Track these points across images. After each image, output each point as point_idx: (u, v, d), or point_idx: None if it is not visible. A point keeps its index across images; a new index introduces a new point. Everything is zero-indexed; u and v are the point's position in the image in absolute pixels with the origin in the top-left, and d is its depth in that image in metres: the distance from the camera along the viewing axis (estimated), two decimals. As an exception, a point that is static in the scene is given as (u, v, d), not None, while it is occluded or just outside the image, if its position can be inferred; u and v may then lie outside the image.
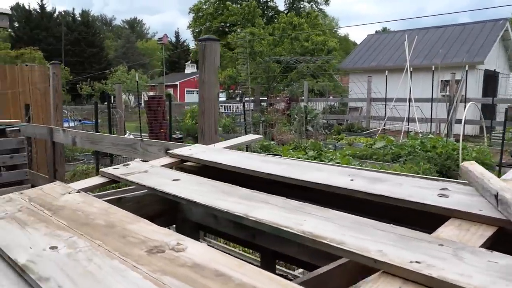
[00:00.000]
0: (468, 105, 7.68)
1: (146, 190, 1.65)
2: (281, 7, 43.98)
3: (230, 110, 23.91)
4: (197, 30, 48.14)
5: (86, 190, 1.54)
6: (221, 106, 18.11)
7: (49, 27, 45.83)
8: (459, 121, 12.03)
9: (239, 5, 35.76)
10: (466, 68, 10.94)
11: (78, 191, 1.42)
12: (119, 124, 12.72)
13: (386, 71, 12.84)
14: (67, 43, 46.03)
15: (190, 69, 43.55)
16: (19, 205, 1.32)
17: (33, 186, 4.41)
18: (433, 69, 11.75)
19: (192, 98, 35.89)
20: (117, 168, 1.68)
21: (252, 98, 15.74)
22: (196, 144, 2.05)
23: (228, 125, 13.92)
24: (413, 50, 13.74)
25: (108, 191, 1.61)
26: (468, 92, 12.19)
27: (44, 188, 1.50)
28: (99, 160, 6.71)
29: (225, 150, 1.91)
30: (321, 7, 41.06)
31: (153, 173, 1.58)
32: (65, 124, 11.36)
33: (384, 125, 12.86)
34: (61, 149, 4.61)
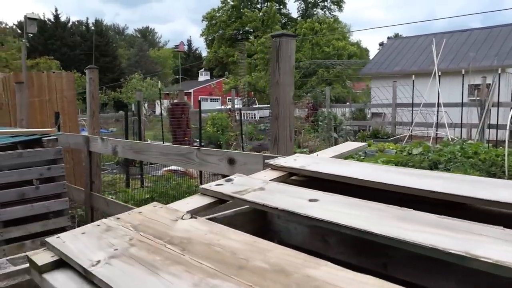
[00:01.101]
0: (513, 109, 7.28)
1: (245, 208, 1.35)
2: (294, 14, 43.83)
3: (247, 118, 23.63)
4: (210, 38, 48.20)
5: (192, 213, 1.23)
6: (237, 113, 17.80)
7: (64, 37, 46.16)
8: (492, 126, 11.62)
9: (257, 11, 35.58)
10: (499, 72, 10.53)
11: (193, 216, 1.11)
12: (142, 132, 12.48)
13: (413, 76, 12.46)
14: (81, 53, 46.33)
15: (203, 76, 43.54)
16: (126, 237, 1.01)
17: (70, 200, 4.13)
18: (463, 72, 11.35)
19: (205, 105, 35.74)
20: (221, 184, 1.37)
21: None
22: (298, 154, 1.73)
23: (250, 132, 13.62)
24: (434, 55, 13.36)
25: (217, 214, 1.30)
26: (496, 96, 11.77)
27: (143, 212, 1.19)
28: (128, 170, 6.45)
29: (338, 160, 1.59)
30: (334, 13, 40.81)
31: (274, 191, 1.27)
32: (83, 133, 11.13)
33: (411, 131, 12.47)
34: (97, 159, 4.34)
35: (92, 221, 4.26)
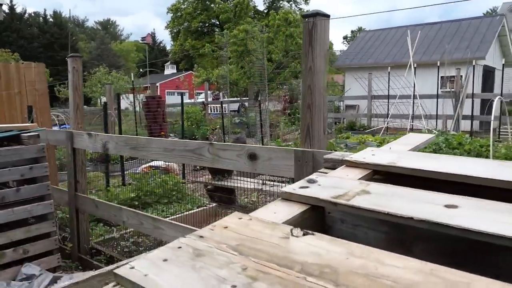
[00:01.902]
0: (496, 99, 7.35)
1: (305, 210, 1.10)
2: (260, 6, 43.56)
3: (215, 111, 23.23)
4: (175, 31, 47.20)
5: (289, 224, 0.97)
6: (210, 107, 17.42)
7: (20, 29, 43.96)
8: (465, 117, 11.83)
9: (229, 2, 34.96)
10: (474, 63, 10.70)
11: (306, 232, 0.85)
12: (112, 128, 11.90)
13: (389, 67, 12.50)
14: (39, 46, 44.30)
15: (169, 70, 42.62)
16: (235, 265, 0.74)
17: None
18: (438, 64, 11.46)
19: (172, 99, 34.92)
20: (306, 187, 1.11)
21: (240, 98, 15.18)
22: (372, 149, 1.49)
23: (225, 126, 13.30)
24: (410, 47, 13.47)
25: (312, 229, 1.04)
26: (469, 88, 11.99)
27: (230, 226, 0.92)
28: (108, 167, 6.04)
29: (423, 154, 1.36)
30: (300, 6, 40.82)
31: (386, 195, 1.02)
32: (54, 129, 10.56)
33: (387, 123, 12.52)
34: (82, 157, 3.95)
35: (78, 224, 3.88)
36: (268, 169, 2.34)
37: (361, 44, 17.09)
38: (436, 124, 11.78)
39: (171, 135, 12.63)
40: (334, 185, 1.10)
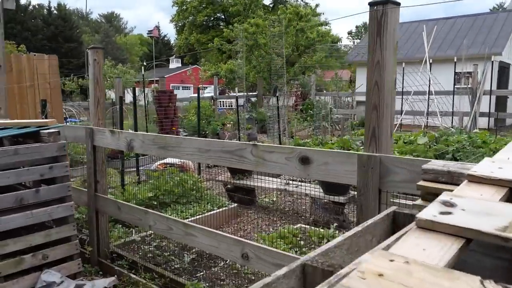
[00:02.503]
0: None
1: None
2: (266, 1, 43.10)
3: (224, 106, 22.97)
4: (180, 24, 46.87)
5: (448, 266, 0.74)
6: (219, 101, 17.16)
7: (24, 21, 43.72)
8: (482, 114, 11.56)
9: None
10: (492, 59, 10.42)
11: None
12: (119, 123, 11.66)
13: (403, 63, 12.21)
14: (43, 38, 44.07)
15: (174, 64, 42.33)
16: None
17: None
18: (455, 60, 11.18)
19: (178, 94, 34.68)
20: (448, 213, 0.87)
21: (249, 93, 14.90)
22: (492, 159, 1.24)
23: (235, 121, 13.06)
24: (425, 42, 13.18)
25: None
26: (486, 85, 11.70)
27: (386, 273, 0.68)
28: (123, 164, 5.82)
29: None
30: (306, 0, 40.35)
31: None
32: (68, 124, 10.39)
33: (401, 120, 12.26)
34: (103, 155, 3.72)
35: (98, 226, 3.67)
36: (322, 175, 2.10)
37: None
38: (452, 121, 11.51)
39: (180, 130, 12.42)
40: (484, 210, 0.86)
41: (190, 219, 4.57)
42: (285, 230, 4.08)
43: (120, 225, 4.37)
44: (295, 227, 4.32)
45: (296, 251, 3.64)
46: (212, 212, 4.89)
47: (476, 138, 7.26)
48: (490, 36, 13.90)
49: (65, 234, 3.25)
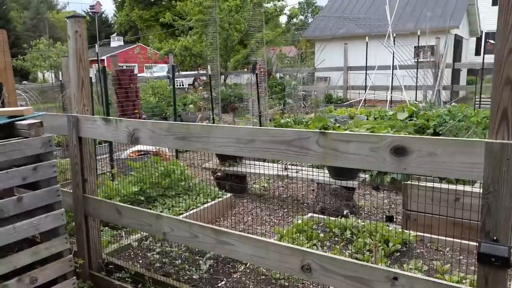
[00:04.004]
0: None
1: None
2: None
3: (181, 85, 22.02)
4: (119, 0, 44.33)
5: None
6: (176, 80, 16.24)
7: None
8: (445, 88, 11.70)
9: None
10: (455, 33, 10.46)
11: None
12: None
13: (367, 37, 12.04)
14: (-35, 15, 39.93)
15: (116, 42, 40.07)
16: None
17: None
18: (418, 33, 11.14)
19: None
20: None
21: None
22: None
23: (196, 101, 12.40)
24: (382, 16, 13.09)
25: None
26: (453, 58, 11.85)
27: None
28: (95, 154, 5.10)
29: None
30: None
31: None
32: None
33: (366, 95, 12.16)
34: (90, 148, 3.07)
35: (88, 234, 3.06)
36: (426, 168, 1.67)
37: (329, 13, 16.49)
38: (416, 96, 11.56)
39: (142, 113, 11.56)
40: None
41: (185, 215, 4.05)
42: (300, 222, 3.67)
43: (105, 227, 3.75)
44: (306, 217, 3.92)
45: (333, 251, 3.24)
46: (207, 205, 4.37)
47: (456, 112, 7.19)
48: (447, 9, 14.06)
49: (56, 249, 2.62)
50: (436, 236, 3.24)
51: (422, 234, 3.32)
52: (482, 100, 10.48)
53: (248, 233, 4.06)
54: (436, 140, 1.64)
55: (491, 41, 14.06)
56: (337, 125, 8.41)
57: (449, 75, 13.37)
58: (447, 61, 11.37)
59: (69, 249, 2.72)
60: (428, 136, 1.85)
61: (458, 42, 14.35)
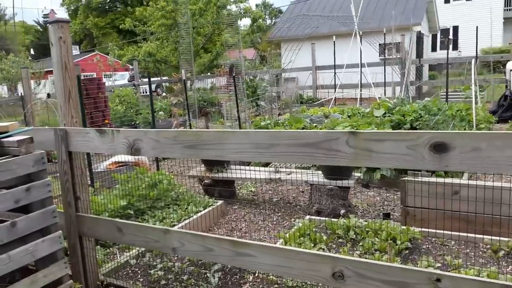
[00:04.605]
0: (473, 63, 7.25)
1: None
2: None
3: (144, 92, 21.48)
4: (72, 8, 42.98)
5: None
6: (139, 87, 15.83)
7: None
8: (412, 83, 11.96)
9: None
10: (420, 29, 10.72)
11: None
12: (32, 122, 10.03)
13: (334, 37, 12.15)
14: None
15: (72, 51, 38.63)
16: None
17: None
18: (384, 31, 11.33)
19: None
20: None
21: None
22: None
23: (165, 108, 12.12)
24: (354, 14, 13.25)
25: None
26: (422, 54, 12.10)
27: None
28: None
29: None
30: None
31: None
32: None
33: (336, 94, 12.26)
34: (82, 163, 2.84)
35: (83, 255, 2.85)
36: (470, 165, 1.61)
37: (293, 15, 16.57)
38: (385, 92, 11.76)
39: (112, 123, 11.15)
40: None
41: (178, 226, 3.87)
42: (301, 226, 3.57)
43: (96, 246, 3.51)
44: (306, 219, 3.83)
45: (336, 252, 3.16)
46: (199, 214, 4.20)
47: (431, 106, 7.32)
48: (408, 6, 14.41)
49: (55, 275, 2.40)
50: (441, 231, 3.22)
51: (426, 230, 3.30)
52: (449, 94, 10.78)
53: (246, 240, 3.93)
54: (481, 134, 1.58)
55: (450, 37, 14.53)
56: (314, 124, 8.40)
57: (413, 71, 13.70)
58: (422, 57, 11.62)
59: (68, 274, 2.51)
60: (471, 131, 1.79)
61: (419, 39, 14.73)
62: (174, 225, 3.91)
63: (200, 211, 4.29)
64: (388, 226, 3.33)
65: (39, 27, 54.45)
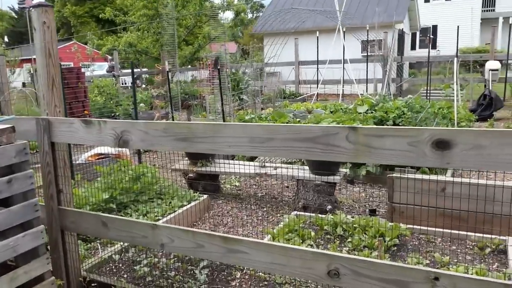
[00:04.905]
0: (455, 62, 7.34)
1: None
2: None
3: (123, 83, 21.13)
4: (50, -5, 41.78)
5: None
6: (119, 78, 15.53)
7: None
8: (394, 81, 12.05)
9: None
10: (402, 27, 10.80)
11: None
12: (7, 111, 9.70)
13: (317, 32, 12.13)
14: None
15: (48, 40, 37.64)
16: None
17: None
18: (367, 28, 11.38)
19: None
20: None
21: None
22: None
23: (146, 100, 11.92)
24: (337, 9, 13.25)
25: None
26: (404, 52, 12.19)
27: None
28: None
29: None
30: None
31: None
32: None
33: (319, 89, 12.27)
34: (65, 155, 2.73)
35: (65, 250, 2.75)
36: (473, 162, 1.59)
37: (276, 9, 16.47)
38: (367, 89, 11.83)
39: (91, 114, 10.87)
40: None
41: (162, 220, 3.78)
42: (288, 221, 3.54)
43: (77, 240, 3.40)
44: (292, 215, 3.80)
45: (324, 248, 3.13)
46: (184, 208, 4.12)
47: (413, 104, 7.38)
48: (391, 4, 14.52)
49: (36, 272, 2.30)
50: (430, 228, 3.23)
51: (416, 226, 3.31)
52: (430, 92, 10.92)
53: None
54: (483, 132, 1.56)
55: (431, 36, 14.72)
56: (297, 119, 8.38)
57: (394, 69, 13.82)
58: (403, 55, 11.72)
59: (50, 270, 2.40)
60: (473, 128, 1.76)
61: (400, 37, 14.89)
62: (158, 220, 3.83)
63: (185, 205, 4.21)
64: (376, 222, 3.32)
65: (13, 14, 52.94)
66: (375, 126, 1.74)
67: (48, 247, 2.72)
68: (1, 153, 2.13)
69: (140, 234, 2.42)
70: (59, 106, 2.71)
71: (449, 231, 3.25)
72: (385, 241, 3.11)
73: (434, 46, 23.97)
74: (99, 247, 3.43)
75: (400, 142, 1.68)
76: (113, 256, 3.18)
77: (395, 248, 3.12)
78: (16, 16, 52.59)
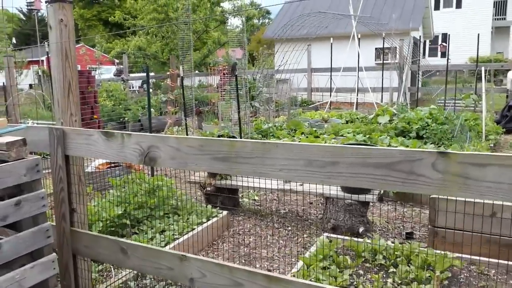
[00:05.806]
0: (482, 70, 7.00)
1: None
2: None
3: (131, 87, 20.88)
4: (57, -3, 41.80)
5: None
6: (128, 82, 15.26)
7: None
8: (410, 89, 11.71)
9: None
10: (419, 35, 10.47)
11: None
12: (14, 114, 9.41)
13: (331, 38, 11.83)
14: None
15: (55, 42, 37.61)
16: None
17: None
18: (383, 35, 11.06)
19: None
20: None
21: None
22: None
23: (155, 105, 11.62)
24: (342, 18, 12.96)
25: None
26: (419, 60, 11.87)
27: None
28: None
29: None
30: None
31: None
32: None
33: (331, 97, 11.95)
34: (80, 170, 2.41)
35: (76, 277, 2.42)
36: None
37: (288, 14, 16.20)
38: (382, 97, 11.50)
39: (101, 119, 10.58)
40: None
41: (181, 239, 3.47)
42: (320, 247, 3.19)
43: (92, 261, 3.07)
44: (321, 237, 3.46)
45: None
46: (203, 226, 3.79)
47: (438, 114, 7.05)
48: (405, 11, 14.21)
49: (46, 308, 1.97)
50: (484, 258, 2.89)
51: (461, 255, 2.96)
52: (446, 102, 10.57)
53: (253, 257, 3.54)
54: None
55: (444, 44, 14.39)
56: (314, 129, 8.06)
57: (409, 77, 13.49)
58: (419, 63, 11.40)
59: (61, 306, 2.08)
60: None
61: (414, 44, 14.58)
62: (175, 238, 3.51)
63: (204, 222, 3.88)
64: (422, 250, 2.98)
65: (22, 16, 53.03)
66: (472, 152, 1.40)
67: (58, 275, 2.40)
68: (9, 171, 1.81)
69: (166, 265, 2.09)
70: (75, 114, 2.39)
71: (506, 262, 2.91)
72: (434, 272, 2.77)
73: (444, 55, 23.65)
74: (112, 269, 3.10)
75: (507, 174, 1.35)
76: (129, 282, 2.84)
77: (446, 281, 2.77)
78: (24, 18, 52.63)
